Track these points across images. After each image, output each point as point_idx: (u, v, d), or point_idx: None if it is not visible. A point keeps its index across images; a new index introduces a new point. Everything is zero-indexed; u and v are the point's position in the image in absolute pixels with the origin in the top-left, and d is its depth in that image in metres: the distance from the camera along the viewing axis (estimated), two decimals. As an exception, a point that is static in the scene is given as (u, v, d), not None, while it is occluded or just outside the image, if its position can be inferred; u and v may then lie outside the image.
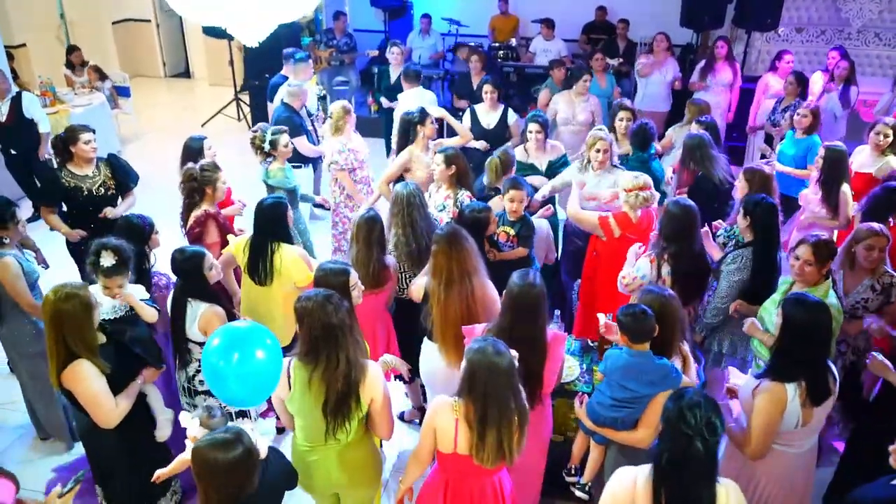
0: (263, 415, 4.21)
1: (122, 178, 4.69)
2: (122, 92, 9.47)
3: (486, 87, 6.01)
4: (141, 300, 3.36)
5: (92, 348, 2.88)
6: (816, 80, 6.81)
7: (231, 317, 3.41)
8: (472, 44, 10.01)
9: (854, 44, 9.42)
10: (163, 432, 3.25)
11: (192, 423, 2.64)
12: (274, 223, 3.83)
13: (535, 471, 3.28)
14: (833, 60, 6.89)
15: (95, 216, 4.58)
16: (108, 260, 3.20)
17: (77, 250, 4.68)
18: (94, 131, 4.59)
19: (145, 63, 12.04)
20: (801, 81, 6.17)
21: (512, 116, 6.09)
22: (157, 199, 5.43)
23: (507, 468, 2.77)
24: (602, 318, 3.34)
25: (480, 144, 5.94)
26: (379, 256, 3.69)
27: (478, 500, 2.75)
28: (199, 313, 3.28)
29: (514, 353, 2.65)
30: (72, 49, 8.97)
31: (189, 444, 2.59)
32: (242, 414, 3.08)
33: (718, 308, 3.79)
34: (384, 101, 7.51)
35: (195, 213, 4.20)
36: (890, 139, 4.94)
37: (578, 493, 3.27)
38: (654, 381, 2.83)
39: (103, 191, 4.60)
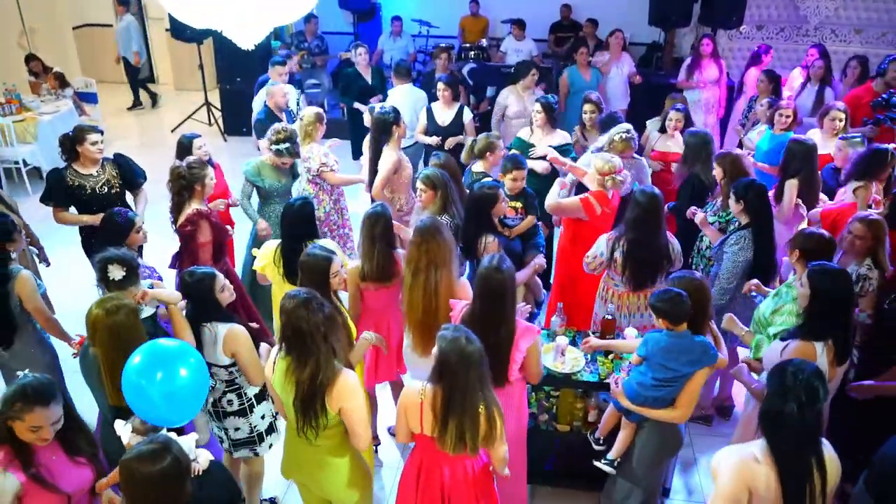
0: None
1: (129, 175, 4.73)
2: (89, 98, 9.28)
3: (440, 86, 6.15)
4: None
5: (145, 337, 2.86)
6: (796, 77, 7.04)
7: (251, 332, 3.33)
8: (444, 44, 10.13)
9: (811, 40, 9.70)
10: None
11: (124, 431, 2.56)
12: (305, 223, 3.88)
13: (514, 458, 3.25)
14: (811, 58, 7.08)
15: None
16: (117, 272, 3.16)
17: (92, 249, 4.63)
18: (102, 132, 4.62)
19: (107, 68, 11.76)
20: (773, 79, 6.37)
21: (467, 115, 6.24)
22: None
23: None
24: (632, 331, 3.46)
25: (433, 140, 6.12)
26: (383, 250, 3.69)
27: (449, 481, 2.80)
28: (220, 336, 3.18)
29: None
30: (29, 58, 8.77)
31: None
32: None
33: (724, 288, 3.96)
34: (358, 105, 7.35)
35: (186, 211, 4.18)
36: (843, 123, 5.27)
37: (607, 468, 3.35)
38: (694, 359, 2.98)
39: (107, 189, 4.62)
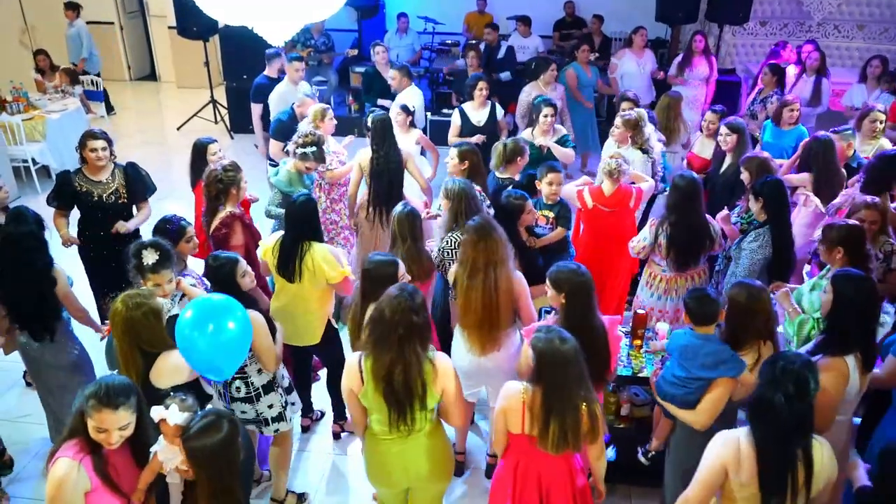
0: None
1: (136, 187, 4.62)
2: (95, 96, 9.24)
3: (480, 84, 6.10)
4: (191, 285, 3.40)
5: (168, 343, 2.88)
6: (790, 71, 7.10)
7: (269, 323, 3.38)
8: (449, 41, 10.16)
9: (814, 36, 9.81)
10: None
11: (170, 412, 2.52)
12: (305, 221, 3.84)
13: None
14: (805, 53, 7.21)
15: (105, 223, 4.53)
16: (151, 257, 3.19)
17: (94, 263, 4.68)
18: (107, 139, 4.52)
19: (109, 66, 11.68)
20: (777, 72, 6.43)
21: (500, 112, 6.23)
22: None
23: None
24: (664, 326, 3.45)
25: (477, 138, 5.97)
26: (423, 249, 3.74)
27: (546, 480, 2.83)
28: None
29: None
30: (38, 52, 8.70)
31: (156, 449, 2.52)
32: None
33: None
34: (382, 101, 7.23)
35: (220, 214, 4.17)
36: (883, 125, 5.20)
37: (641, 458, 3.41)
38: (707, 364, 2.90)
39: (114, 199, 4.53)
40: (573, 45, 9.57)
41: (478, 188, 4.62)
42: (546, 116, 5.39)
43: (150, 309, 2.83)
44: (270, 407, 3.47)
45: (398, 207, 3.88)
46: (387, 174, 4.99)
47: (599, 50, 9.27)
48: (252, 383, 3.40)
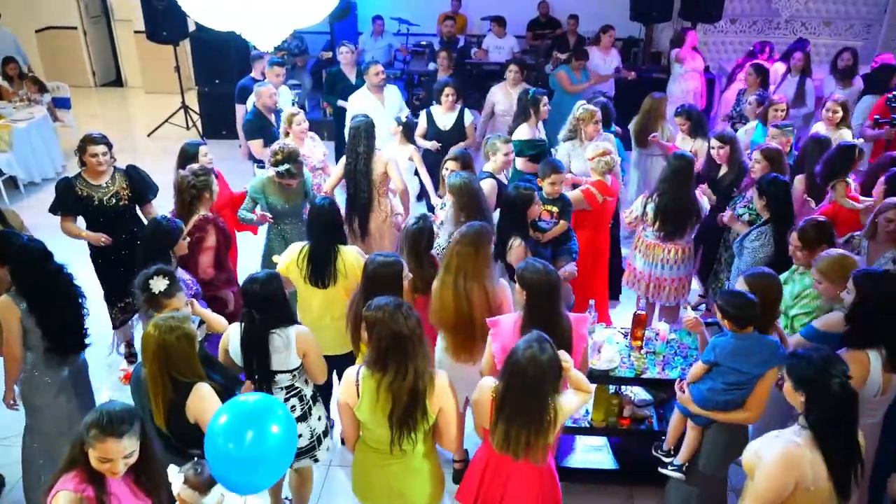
0: None
1: (140, 188, 4.57)
2: (62, 103, 8.98)
3: (447, 90, 6.06)
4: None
5: (201, 375, 2.77)
6: (778, 69, 7.21)
7: None
8: (424, 42, 10.10)
9: (783, 33, 10.01)
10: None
11: (176, 480, 2.48)
12: (333, 224, 3.80)
13: None
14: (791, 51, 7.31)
15: (108, 228, 4.48)
16: (161, 283, 3.07)
17: (103, 268, 4.63)
18: (107, 143, 4.44)
19: (73, 72, 11.39)
20: (761, 72, 6.51)
21: (468, 118, 6.18)
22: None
23: None
24: (690, 313, 3.42)
25: (432, 145, 6.04)
26: (431, 264, 3.71)
27: (514, 482, 2.80)
28: (292, 337, 3.15)
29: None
30: (7, 60, 8.43)
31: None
32: None
33: None
34: (341, 103, 7.17)
35: (194, 218, 4.12)
36: (840, 114, 5.43)
37: (676, 474, 3.33)
38: (765, 359, 2.95)
39: (115, 201, 4.47)
40: (548, 44, 9.65)
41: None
42: (545, 106, 5.49)
43: (185, 333, 2.71)
44: (319, 419, 3.40)
45: (409, 221, 3.83)
46: (355, 181, 4.91)
47: (574, 49, 9.29)
48: (304, 396, 3.32)
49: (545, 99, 5.53)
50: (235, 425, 2.40)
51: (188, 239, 3.86)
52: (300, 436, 3.31)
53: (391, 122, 5.71)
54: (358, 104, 6.22)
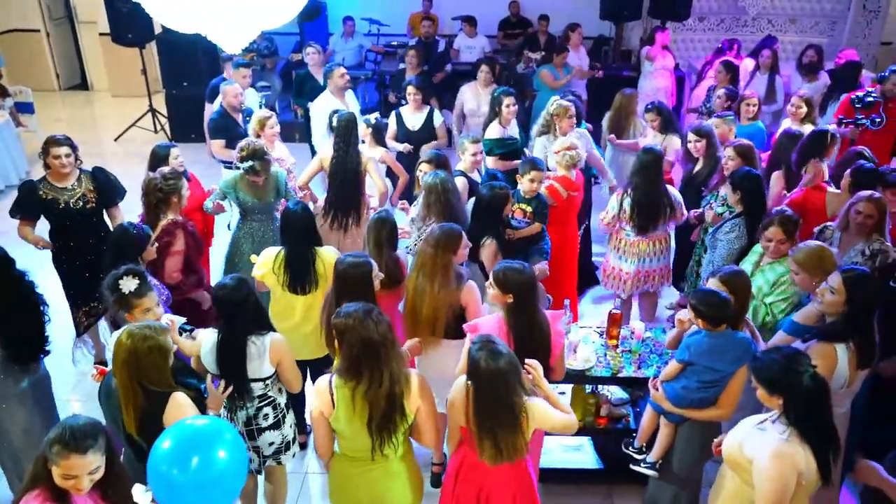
0: None
1: (107, 190, 4.48)
2: (25, 108, 8.78)
3: (410, 89, 6.05)
4: (182, 328, 3.19)
5: (172, 386, 2.70)
6: (748, 66, 7.29)
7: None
8: (395, 42, 10.04)
9: (750, 30, 10.14)
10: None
11: (144, 498, 2.37)
12: (308, 229, 3.76)
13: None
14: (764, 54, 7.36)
15: (74, 231, 4.39)
16: (130, 284, 3.00)
17: (68, 272, 4.52)
18: (71, 145, 4.33)
19: (36, 76, 11.13)
20: (731, 69, 6.58)
21: (437, 118, 6.15)
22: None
23: None
24: (640, 325, 3.44)
25: (403, 147, 6.02)
26: (390, 255, 3.68)
27: (490, 482, 2.78)
28: (267, 345, 3.10)
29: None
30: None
31: None
32: None
33: None
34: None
35: (162, 223, 4.04)
36: (804, 109, 5.48)
37: (648, 472, 3.34)
38: (738, 356, 2.97)
39: (81, 204, 4.36)
40: (519, 44, 9.65)
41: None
42: (508, 106, 5.45)
43: (158, 345, 2.63)
44: (291, 427, 3.36)
45: (376, 212, 3.79)
46: (343, 175, 4.89)
47: (547, 48, 9.32)
48: (278, 404, 3.27)
49: (508, 99, 5.46)
50: (180, 450, 2.28)
51: (156, 244, 3.79)
52: (271, 443, 3.29)
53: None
54: (322, 108, 6.15)
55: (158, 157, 4.59)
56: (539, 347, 3.03)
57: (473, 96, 6.56)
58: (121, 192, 4.62)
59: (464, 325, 3.24)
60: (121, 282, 3.00)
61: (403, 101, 6.26)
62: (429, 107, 6.17)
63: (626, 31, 9.73)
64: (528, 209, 4.38)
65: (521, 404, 2.61)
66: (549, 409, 2.70)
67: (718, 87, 6.60)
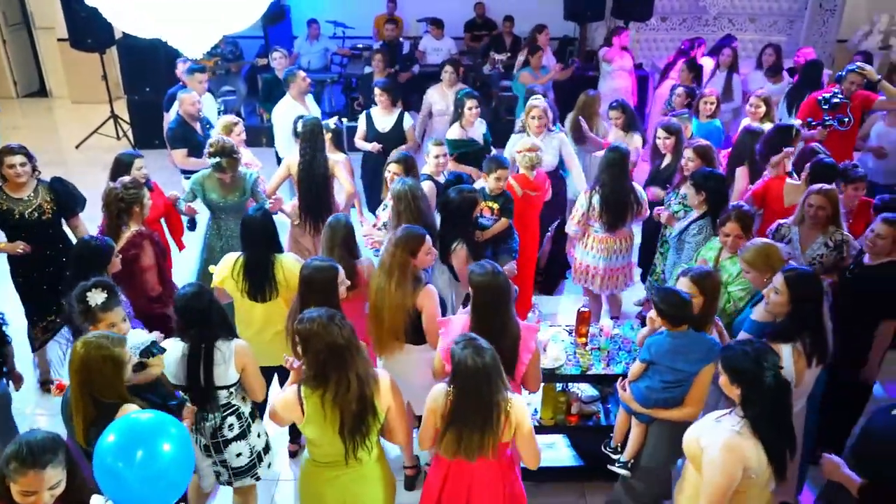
0: None
1: (66, 200, 4.38)
2: (-18, 117, 8.56)
3: (376, 91, 6.05)
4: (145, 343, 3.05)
5: (124, 397, 2.64)
6: (707, 64, 7.40)
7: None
8: (360, 45, 10.00)
9: (711, 29, 10.28)
10: None
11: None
12: (268, 234, 3.70)
13: None
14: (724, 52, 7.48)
15: (30, 242, 4.28)
16: (98, 297, 2.94)
17: (24, 286, 4.43)
18: (26, 154, 4.22)
19: (-9, 84, 10.93)
20: (694, 69, 6.68)
21: (408, 121, 6.15)
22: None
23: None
24: (608, 322, 3.46)
25: (373, 147, 6.01)
26: (344, 258, 3.63)
27: (477, 483, 2.79)
28: (232, 351, 3.07)
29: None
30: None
31: None
32: None
33: None
34: None
35: (126, 234, 3.95)
36: (763, 109, 5.57)
37: (622, 471, 3.37)
38: (701, 357, 2.98)
39: (37, 215, 4.26)
40: (485, 45, 9.69)
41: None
42: (471, 109, 5.50)
43: (111, 356, 2.56)
44: (259, 436, 3.31)
45: (333, 216, 3.77)
46: (310, 181, 4.87)
47: (511, 50, 9.37)
48: (242, 413, 3.23)
49: (471, 102, 5.52)
50: (125, 443, 2.26)
51: (121, 256, 3.70)
52: (239, 454, 3.25)
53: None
54: (284, 114, 6.10)
55: (121, 165, 4.49)
56: (507, 354, 2.96)
57: (441, 97, 6.58)
58: (81, 201, 4.53)
59: (437, 320, 3.26)
60: (88, 294, 2.94)
61: (373, 104, 6.24)
62: (399, 109, 6.15)
63: (590, 31, 9.81)
64: (496, 206, 4.41)
65: (504, 402, 2.61)
66: (527, 410, 2.71)
67: (680, 86, 6.71)
